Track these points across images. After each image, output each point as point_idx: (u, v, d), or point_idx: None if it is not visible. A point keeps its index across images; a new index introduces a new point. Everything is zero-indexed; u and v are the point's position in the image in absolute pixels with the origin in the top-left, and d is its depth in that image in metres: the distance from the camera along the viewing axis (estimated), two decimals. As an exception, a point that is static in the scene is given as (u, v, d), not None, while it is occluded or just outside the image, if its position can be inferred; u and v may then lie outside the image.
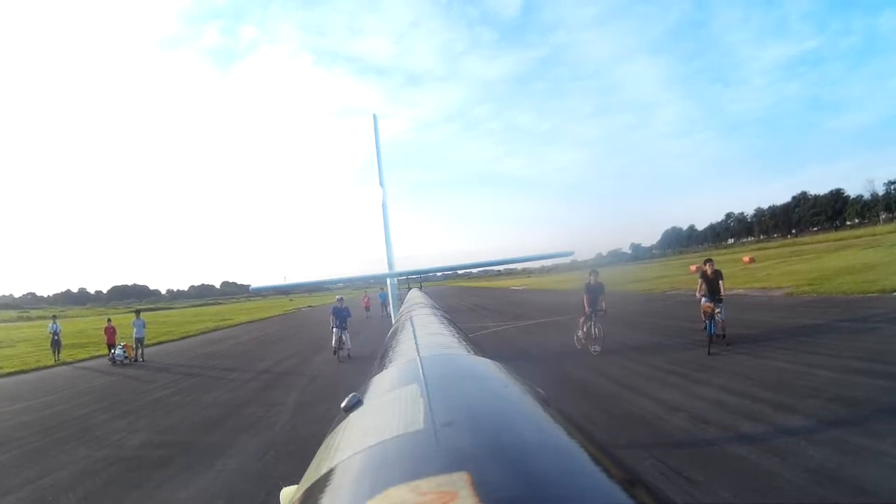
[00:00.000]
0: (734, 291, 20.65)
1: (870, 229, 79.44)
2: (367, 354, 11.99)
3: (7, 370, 17.15)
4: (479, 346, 1.99)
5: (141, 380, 12.86)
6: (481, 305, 29.53)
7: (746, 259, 42.12)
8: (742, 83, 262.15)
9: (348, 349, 12.80)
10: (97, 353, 20.48)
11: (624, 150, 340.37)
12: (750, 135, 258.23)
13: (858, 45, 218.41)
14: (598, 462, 0.60)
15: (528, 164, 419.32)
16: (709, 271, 9.11)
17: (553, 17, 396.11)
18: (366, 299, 28.99)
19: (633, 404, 6.12)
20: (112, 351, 17.44)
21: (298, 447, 5.67)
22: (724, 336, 8.99)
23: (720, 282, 9.03)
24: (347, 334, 12.82)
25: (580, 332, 10.45)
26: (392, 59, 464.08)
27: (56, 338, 19.51)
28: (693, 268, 39.50)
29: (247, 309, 68.31)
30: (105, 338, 18.57)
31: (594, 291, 10.21)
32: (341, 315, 12.76)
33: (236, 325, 35.50)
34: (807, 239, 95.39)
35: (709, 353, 8.35)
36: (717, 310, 8.83)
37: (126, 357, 17.13)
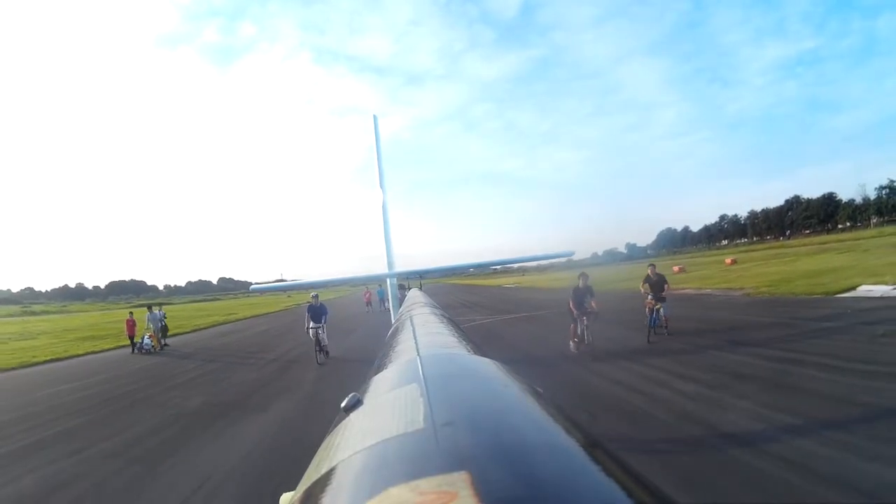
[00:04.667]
0: (704, 291, 22.65)
1: (855, 233, 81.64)
2: (362, 356, 11.74)
3: (42, 359, 18.98)
4: (478, 345, 2.01)
5: (173, 364, 14.74)
6: (473, 302, 31.45)
7: (728, 261, 44.19)
8: (740, 83, 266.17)
9: (324, 345, 12.07)
10: (119, 344, 22.19)
11: (622, 149, 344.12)
12: (748, 135, 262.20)
13: (856, 45, 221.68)
14: (598, 462, 0.60)
15: (527, 163, 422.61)
16: (652, 275, 11.00)
17: (552, 18, 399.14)
18: (367, 295, 31.02)
19: (570, 373, 8.06)
20: (140, 341, 19.18)
21: (323, 402, 7.55)
22: (666, 328, 10.84)
23: (664, 284, 10.90)
24: (324, 334, 12.07)
25: (572, 342, 10.14)
26: (392, 57, 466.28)
27: (162, 324, 20.66)
28: (676, 268, 41.59)
29: (247, 304, 69.81)
30: (126, 330, 20.47)
31: (581, 295, 10.07)
32: (317, 313, 12.03)
33: (242, 319, 37.26)
34: (794, 242, 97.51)
35: (648, 342, 10.23)
36: (659, 306, 10.72)
37: (152, 347, 18.96)
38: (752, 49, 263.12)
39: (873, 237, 59.51)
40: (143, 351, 18.71)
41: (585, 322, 9.75)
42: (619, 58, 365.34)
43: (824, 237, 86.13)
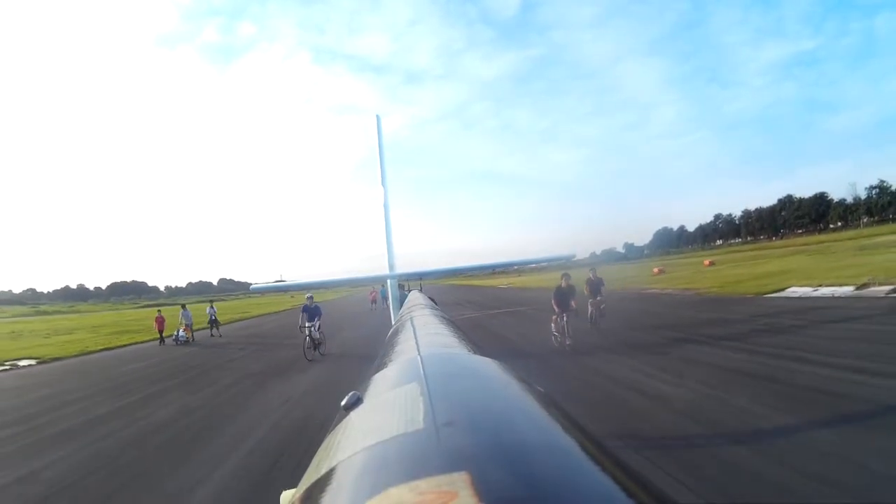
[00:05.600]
0: (666, 291, 25.70)
1: (836, 234, 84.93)
2: (365, 343, 14.92)
3: (95, 348, 22.08)
4: (479, 345, 2.01)
5: (216, 350, 17.82)
6: (466, 300, 34.71)
7: (707, 262, 47.31)
8: (739, 84, 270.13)
9: (319, 337, 12.86)
10: (149, 338, 25.03)
11: (621, 149, 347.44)
12: (747, 135, 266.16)
13: (855, 45, 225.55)
14: (598, 462, 0.61)
15: (525, 162, 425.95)
16: (594, 277, 13.94)
17: (551, 17, 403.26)
18: (372, 294, 34.16)
19: (527, 347, 11.17)
20: (175, 333, 22.22)
21: (341, 369, 10.60)
22: (603, 315, 13.53)
23: (601, 286, 13.68)
24: (319, 332, 12.89)
25: (555, 332, 11.07)
26: (390, 56, 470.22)
27: (213, 317, 24.52)
28: (656, 270, 44.68)
29: (253, 304, 72.66)
30: (156, 325, 23.13)
31: (564, 294, 10.78)
32: (312, 313, 12.78)
33: (256, 316, 40.38)
34: (779, 243, 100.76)
35: (595, 326, 13.17)
36: (602, 305, 13.65)
37: (186, 339, 21.98)
38: (750, 49, 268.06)
39: (850, 238, 62.62)
40: (180, 342, 21.65)
41: (565, 318, 10.59)
42: (618, 57, 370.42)
43: (809, 238, 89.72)
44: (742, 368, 7.42)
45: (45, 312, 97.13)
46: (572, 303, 10.62)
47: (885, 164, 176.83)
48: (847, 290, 16.55)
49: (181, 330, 22.21)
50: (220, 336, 22.94)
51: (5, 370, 16.74)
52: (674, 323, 13.27)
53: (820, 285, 18.42)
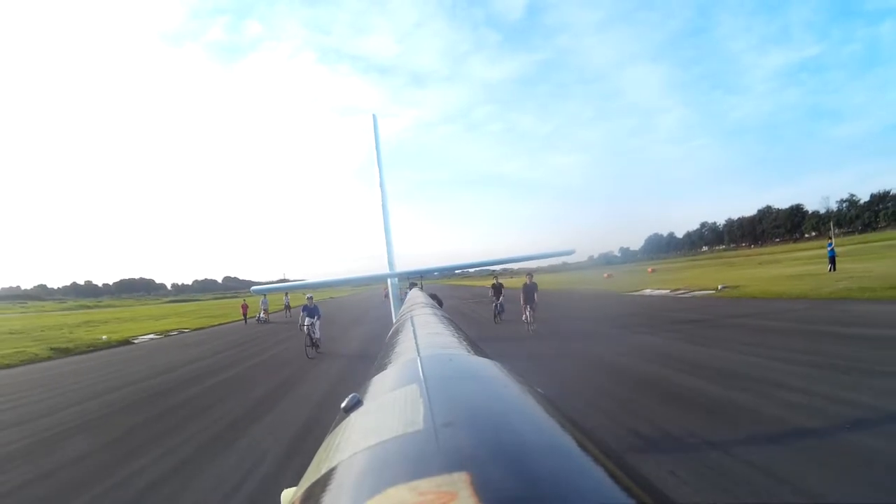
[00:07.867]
0: (588, 291, 37.21)
1: (774, 248, 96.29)
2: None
3: (211, 324, 33.49)
4: (479, 346, 2.06)
5: (288, 326, 29.38)
6: (451, 295, 46.10)
7: (650, 270, 58.78)
8: (743, 90, 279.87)
9: (316, 339, 14.02)
10: (236, 319, 35.74)
11: (624, 153, 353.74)
12: (750, 142, 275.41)
13: (860, 53, 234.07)
14: (598, 462, 0.61)
15: (528, 165, 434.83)
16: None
17: (557, 21, 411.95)
18: (385, 290, 45.63)
19: (478, 320, 22.83)
20: (257, 315, 33.52)
21: (371, 332, 22.13)
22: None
23: (502, 288, 25.02)
24: (318, 332, 14.12)
25: (524, 319, 13.94)
26: (396, 58, 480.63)
27: (287, 303, 35.98)
28: (606, 275, 56.18)
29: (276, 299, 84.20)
30: (241, 310, 33.96)
31: (530, 290, 13.06)
32: (311, 313, 13.94)
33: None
34: (726, 253, 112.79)
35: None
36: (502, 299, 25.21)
37: (265, 319, 33.40)
38: (755, 56, 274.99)
39: (785, 252, 73.60)
40: (261, 321, 32.77)
41: (530, 310, 13.35)
42: (623, 62, 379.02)
43: (761, 249, 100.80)
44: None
45: (87, 307, 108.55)
46: (535, 296, 13.64)
47: (888, 172, 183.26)
48: (664, 292, 27.90)
49: (261, 313, 33.69)
50: (290, 317, 34.51)
51: (177, 335, 28.12)
52: (547, 299, 24.85)
53: (659, 289, 29.67)
